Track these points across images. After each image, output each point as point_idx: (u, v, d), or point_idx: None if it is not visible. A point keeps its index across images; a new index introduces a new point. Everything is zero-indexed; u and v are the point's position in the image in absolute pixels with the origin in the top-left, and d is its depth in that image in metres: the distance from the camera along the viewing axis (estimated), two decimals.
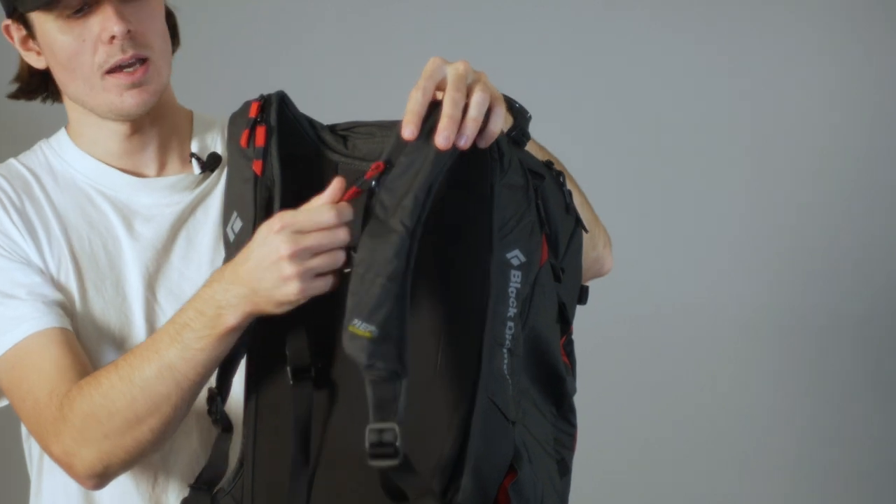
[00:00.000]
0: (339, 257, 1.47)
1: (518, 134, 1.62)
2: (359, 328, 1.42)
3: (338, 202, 1.49)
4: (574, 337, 1.72)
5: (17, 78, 1.85)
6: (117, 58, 1.71)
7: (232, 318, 1.53)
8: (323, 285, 1.49)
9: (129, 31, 1.70)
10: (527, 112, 1.64)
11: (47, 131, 1.89)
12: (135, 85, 1.73)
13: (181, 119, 1.88)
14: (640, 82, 3.19)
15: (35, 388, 1.69)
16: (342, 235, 1.47)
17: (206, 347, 1.56)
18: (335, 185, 1.50)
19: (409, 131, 1.46)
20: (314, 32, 3.21)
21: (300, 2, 3.22)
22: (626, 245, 3.10)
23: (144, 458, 1.69)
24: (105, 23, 1.70)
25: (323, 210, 1.47)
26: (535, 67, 3.16)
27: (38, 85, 1.84)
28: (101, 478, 1.68)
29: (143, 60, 1.73)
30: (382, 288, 1.43)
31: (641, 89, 3.19)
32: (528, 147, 1.67)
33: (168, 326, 1.59)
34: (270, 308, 1.51)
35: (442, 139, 1.45)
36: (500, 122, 1.50)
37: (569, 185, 1.72)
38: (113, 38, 1.70)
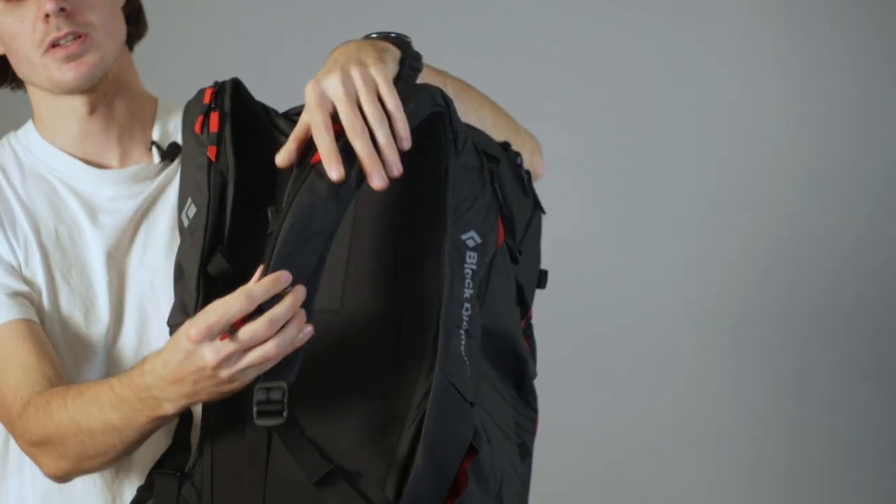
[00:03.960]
0: (269, 351, 1.44)
1: (408, 68, 1.59)
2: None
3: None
4: (537, 330, 1.72)
5: None
6: (52, 35, 1.74)
7: (171, 408, 1.56)
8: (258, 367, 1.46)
9: (62, 9, 1.74)
10: (406, 37, 1.61)
11: (17, 125, 1.91)
12: (70, 57, 1.76)
13: (144, 104, 1.89)
14: (598, 78, 3.18)
15: (3, 385, 1.72)
16: (263, 329, 1.42)
17: (146, 420, 1.59)
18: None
19: (335, 172, 1.45)
20: (288, 22, 3.21)
21: None
22: (585, 239, 3.13)
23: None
24: (39, 2, 1.74)
25: (232, 301, 1.43)
26: (508, 62, 3.16)
27: None
28: (62, 481, 1.74)
29: (81, 35, 1.76)
30: (314, 251, 1.45)
31: (599, 84, 3.18)
32: (426, 74, 1.64)
33: (110, 391, 1.60)
34: (215, 399, 1.53)
35: (378, 182, 1.46)
36: (402, 117, 1.48)
37: (478, 100, 1.70)
38: (47, 15, 1.74)
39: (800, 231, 3.15)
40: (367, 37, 1.61)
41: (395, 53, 1.57)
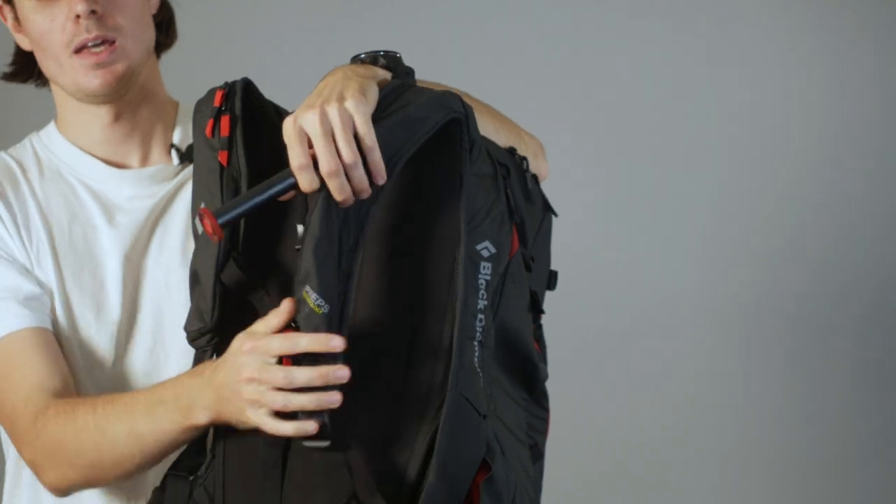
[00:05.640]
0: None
1: (402, 77, 1.59)
2: (311, 299, 1.45)
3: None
4: (547, 329, 1.71)
5: (12, 61, 1.90)
6: (82, 37, 1.75)
7: (203, 417, 1.56)
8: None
9: (93, 12, 1.74)
10: (395, 53, 1.61)
11: (39, 125, 1.93)
12: (99, 65, 1.76)
13: (167, 108, 1.90)
14: (606, 75, 3.15)
15: (12, 393, 1.73)
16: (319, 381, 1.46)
17: (175, 431, 1.59)
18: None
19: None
20: (298, 21, 3.18)
21: None
22: (597, 239, 3.11)
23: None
24: (70, 2, 1.74)
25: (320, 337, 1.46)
26: (518, 64, 3.13)
27: (24, 66, 1.88)
28: (63, 493, 1.74)
29: (110, 42, 1.76)
30: (338, 269, 1.46)
31: (607, 82, 3.15)
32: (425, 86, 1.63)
33: (148, 395, 1.62)
34: (239, 424, 1.53)
35: (341, 198, 1.47)
36: (377, 156, 1.47)
37: (476, 107, 1.70)
38: (78, 17, 1.74)
39: (813, 231, 3.14)
40: (356, 57, 1.60)
41: (382, 76, 1.56)
